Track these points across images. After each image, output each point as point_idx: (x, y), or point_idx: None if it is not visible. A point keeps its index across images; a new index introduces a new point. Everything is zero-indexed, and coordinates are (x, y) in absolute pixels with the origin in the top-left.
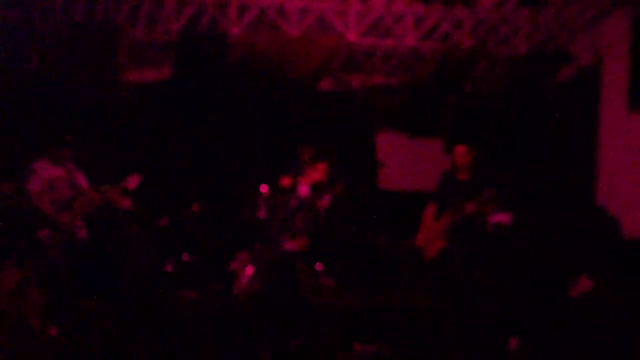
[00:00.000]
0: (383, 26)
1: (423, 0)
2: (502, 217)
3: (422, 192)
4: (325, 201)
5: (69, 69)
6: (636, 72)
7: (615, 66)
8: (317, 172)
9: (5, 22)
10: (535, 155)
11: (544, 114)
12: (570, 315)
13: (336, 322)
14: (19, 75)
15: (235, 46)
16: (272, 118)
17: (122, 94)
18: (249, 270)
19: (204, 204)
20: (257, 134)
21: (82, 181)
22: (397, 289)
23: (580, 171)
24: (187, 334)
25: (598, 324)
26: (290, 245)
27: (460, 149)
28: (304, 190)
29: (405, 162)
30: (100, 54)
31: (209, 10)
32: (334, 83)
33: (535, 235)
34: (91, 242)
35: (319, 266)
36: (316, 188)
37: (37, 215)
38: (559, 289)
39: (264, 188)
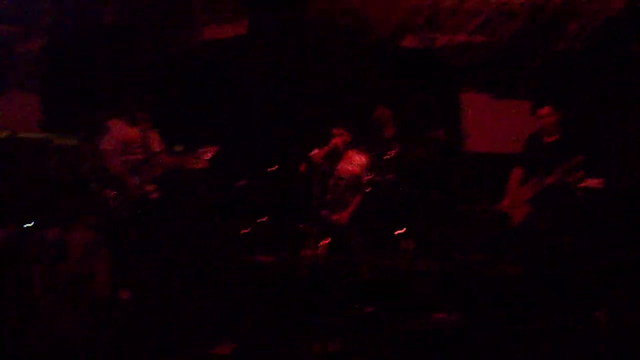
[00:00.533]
0: None
1: None
2: (592, 182)
3: (507, 154)
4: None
5: (145, 26)
6: None
7: None
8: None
9: None
10: (627, 117)
11: (637, 74)
12: None
13: (416, 287)
14: (94, 31)
15: (316, 0)
16: (353, 76)
17: (198, 51)
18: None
19: (282, 164)
20: (337, 92)
21: (155, 143)
22: (481, 254)
23: None
24: (260, 298)
25: None
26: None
27: (548, 110)
28: (352, 167)
29: (491, 123)
30: (174, 10)
31: None
32: (417, 41)
33: (627, 200)
34: (163, 204)
35: (399, 230)
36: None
37: (106, 176)
38: None
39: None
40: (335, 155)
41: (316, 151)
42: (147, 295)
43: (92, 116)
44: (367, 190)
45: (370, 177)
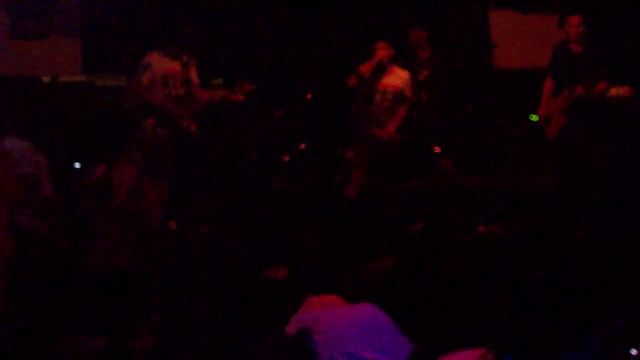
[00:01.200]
0: None
1: None
2: (621, 90)
3: (537, 69)
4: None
5: None
6: None
7: None
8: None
9: None
10: None
11: None
12: None
13: (457, 203)
14: None
15: None
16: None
17: None
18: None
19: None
20: (364, 13)
21: (195, 76)
22: (518, 169)
23: None
24: (301, 225)
25: None
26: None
27: (575, 20)
28: (396, 81)
29: (520, 39)
30: None
31: None
32: None
33: None
34: (203, 136)
35: (437, 148)
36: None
37: (149, 109)
38: None
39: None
40: (380, 69)
41: (364, 65)
42: (195, 225)
43: (134, 55)
44: (409, 105)
45: (412, 92)
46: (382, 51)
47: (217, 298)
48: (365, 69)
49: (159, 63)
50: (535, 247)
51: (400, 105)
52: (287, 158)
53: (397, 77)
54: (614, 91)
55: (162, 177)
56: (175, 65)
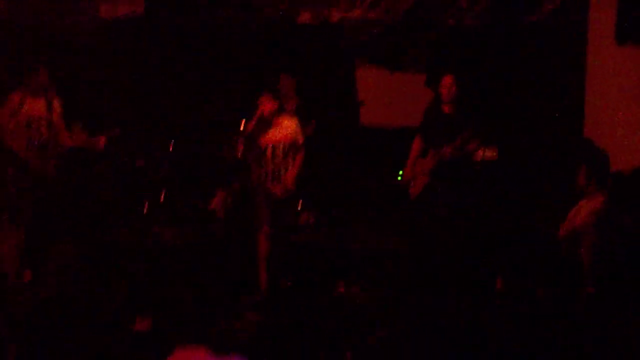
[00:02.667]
0: None
1: None
2: (488, 153)
3: (404, 127)
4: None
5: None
6: (624, 4)
7: None
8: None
9: None
10: (520, 89)
11: (529, 47)
12: (557, 255)
13: (319, 262)
14: None
15: None
16: (250, 52)
17: (95, 29)
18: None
19: (180, 144)
20: (233, 69)
21: (59, 120)
22: (380, 227)
23: (568, 104)
24: (165, 276)
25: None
26: (276, 188)
27: (446, 80)
28: (284, 132)
29: (387, 97)
30: None
31: None
32: (313, 16)
33: (522, 170)
34: (64, 183)
35: (299, 204)
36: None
37: (9, 156)
38: (547, 225)
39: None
40: (265, 124)
41: (249, 125)
42: (50, 277)
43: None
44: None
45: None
46: (266, 105)
47: (79, 353)
48: (250, 126)
49: (24, 104)
50: (392, 308)
51: (295, 154)
52: (145, 211)
53: (285, 128)
54: (480, 153)
55: (20, 225)
56: (40, 106)
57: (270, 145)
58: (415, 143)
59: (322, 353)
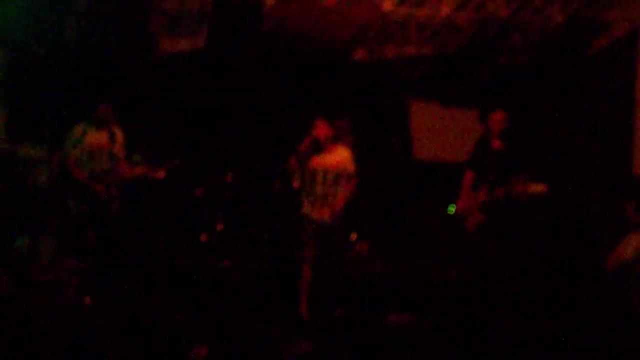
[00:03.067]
0: None
1: None
2: (539, 188)
3: (456, 162)
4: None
5: (103, 38)
6: None
7: None
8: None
9: None
10: (571, 126)
11: (579, 84)
12: (605, 288)
13: (371, 291)
14: (57, 45)
15: (270, 16)
16: (307, 89)
17: (156, 63)
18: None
19: (238, 174)
20: (290, 105)
21: (121, 150)
22: (434, 260)
23: (617, 143)
24: (222, 304)
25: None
26: (324, 214)
27: (497, 116)
28: (337, 159)
29: (440, 132)
30: (132, 22)
31: None
32: (368, 53)
33: (572, 204)
34: (126, 213)
35: (353, 236)
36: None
37: (72, 184)
38: (597, 263)
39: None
40: (318, 148)
41: (303, 146)
42: (111, 303)
43: (58, 126)
44: (354, 183)
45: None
46: (320, 129)
47: None
48: (303, 148)
49: (87, 136)
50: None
51: (346, 182)
52: (204, 238)
53: (338, 156)
54: (531, 188)
55: (82, 251)
56: (103, 138)
57: (322, 170)
58: (466, 176)
59: None
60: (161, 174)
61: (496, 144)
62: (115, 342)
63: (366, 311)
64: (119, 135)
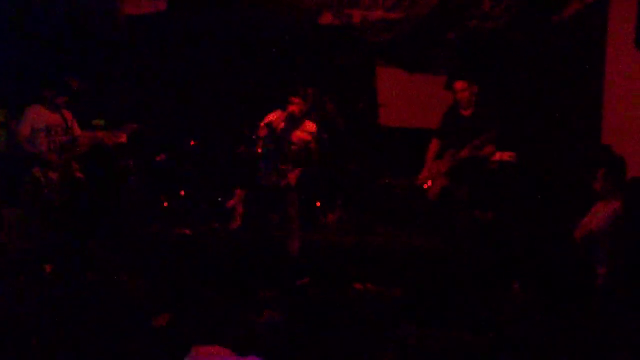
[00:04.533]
0: None
1: None
2: (505, 155)
3: (423, 129)
4: (324, 137)
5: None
6: None
7: (622, 2)
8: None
9: None
10: (539, 92)
11: (548, 50)
12: (572, 256)
13: (336, 260)
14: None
15: None
16: (271, 53)
17: (118, 27)
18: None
19: (200, 140)
20: (255, 68)
21: (76, 127)
22: (398, 228)
23: (586, 109)
24: (182, 273)
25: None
26: (285, 181)
27: (461, 84)
28: (304, 131)
29: (406, 98)
30: None
31: None
32: (335, 17)
33: (540, 172)
34: (87, 181)
35: (318, 203)
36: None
37: (32, 158)
38: (562, 228)
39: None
40: (294, 122)
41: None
42: (73, 270)
43: (17, 92)
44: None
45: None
46: (295, 106)
47: (101, 346)
48: (275, 119)
49: (40, 115)
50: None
51: (306, 155)
52: (165, 204)
53: (305, 131)
54: (498, 155)
55: (50, 220)
56: (56, 117)
57: (293, 141)
58: (432, 144)
59: (339, 351)
60: (123, 138)
61: (463, 112)
62: (76, 311)
63: (332, 280)
64: (69, 115)
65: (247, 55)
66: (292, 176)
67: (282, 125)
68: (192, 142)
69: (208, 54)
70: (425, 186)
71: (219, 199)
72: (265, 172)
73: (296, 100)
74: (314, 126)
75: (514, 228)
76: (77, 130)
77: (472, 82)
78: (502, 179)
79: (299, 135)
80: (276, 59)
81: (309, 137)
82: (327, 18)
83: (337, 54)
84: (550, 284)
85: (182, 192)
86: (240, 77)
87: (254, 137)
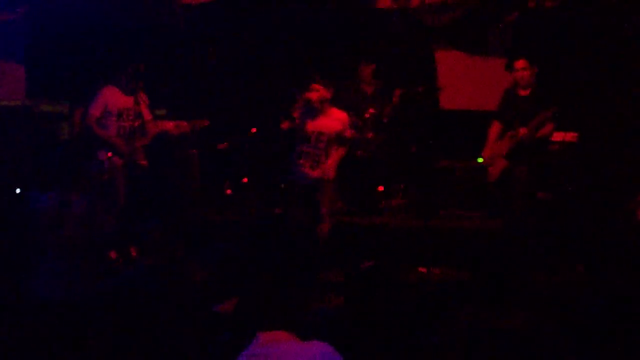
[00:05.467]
0: None
1: None
2: (568, 136)
3: (483, 111)
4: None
5: None
6: None
7: None
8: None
9: None
10: (598, 72)
11: (609, 30)
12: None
13: (400, 244)
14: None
15: None
16: (330, 36)
17: (175, 16)
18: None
19: (261, 128)
20: (314, 52)
21: (147, 112)
22: (460, 210)
23: None
24: (245, 259)
25: None
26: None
27: (522, 62)
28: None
29: (466, 81)
30: None
31: None
32: (393, 1)
33: (601, 154)
34: (152, 168)
35: (380, 188)
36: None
37: (99, 142)
38: (622, 209)
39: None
40: (311, 111)
41: (295, 108)
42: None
43: (81, 84)
44: (347, 146)
45: (351, 132)
46: (314, 93)
47: (168, 332)
48: (297, 112)
49: (114, 97)
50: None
51: (338, 146)
52: (229, 191)
53: (334, 119)
54: (559, 136)
55: (113, 208)
56: (129, 101)
57: (317, 132)
58: (493, 126)
59: (402, 336)
60: (187, 128)
61: (522, 92)
62: (140, 300)
63: (396, 264)
64: (144, 98)
65: (304, 41)
66: (327, 167)
67: (298, 114)
68: (253, 130)
69: (264, 41)
70: (488, 168)
71: (282, 185)
72: (296, 165)
73: (315, 86)
74: (344, 114)
75: (576, 209)
76: (147, 115)
77: (533, 62)
78: (564, 160)
79: (326, 123)
80: (334, 45)
81: (339, 126)
82: (385, 2)
83: (396, 38)
84: (613, 265)
85: (245, 180)
86: (297, 64)
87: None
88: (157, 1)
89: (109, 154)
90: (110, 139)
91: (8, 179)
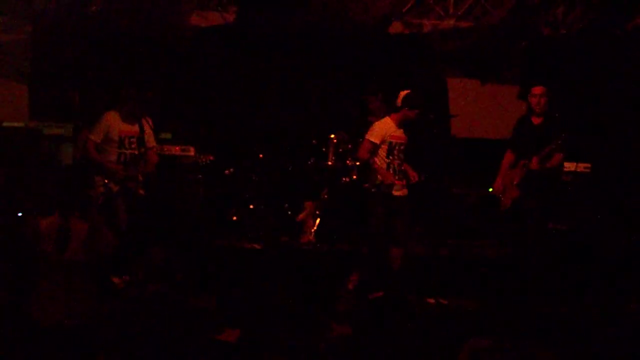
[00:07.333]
0: None
1: None
2: (580, 167)
3: (494, 140)
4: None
5: (132, 14)
6: None
7: None
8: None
9: None
10: (612, 100)
11: (621, 58)
12: None
13: (408, 272)
14: (80, 21)
15: None
16: (341, 63)
17: (186, 39)
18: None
19: (269, 153)
20: (324, 80)
21: (152, 140)
22: (472, 238)
23: None
24: (251, 285)
25: None
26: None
27: (538, 90)
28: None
29: (478, 109)
30: None
31: None
32: (405, 27)
33: (615, 182)
34: (156, 193)
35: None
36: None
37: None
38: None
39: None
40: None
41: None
42: (146, 282)
43: (84, 107)
44: None
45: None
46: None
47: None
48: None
49: (116, 123)
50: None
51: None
52: (235, 218)
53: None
54: (572, 165)
55: (114, 232)
56: (132, 127)
57: (396, 143)
58: (506, 155)
59: None
60: (191, 152)
61: (536, 120)
62: (144, 325)
63: (405, 293)
64: (148, 125)
65: (316, 67)
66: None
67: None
68: (260, 155)
69: (275, 65)
70: (499, 197)
71: (289, 212)
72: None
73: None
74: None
75: (589, 240)
76: (151, 142)
77: (548, 89)
78: (576, 191)
79: (400, 134)
80: (345, 70)
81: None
82: (397, 27)
83: (408, 64)
84: (626, 297)
85: (251, 206)
86: (308, 89)
87: (323, 149)
88: (165, 23)
89: (105, 181)
90: (107, 165)
91: (10, 201)
